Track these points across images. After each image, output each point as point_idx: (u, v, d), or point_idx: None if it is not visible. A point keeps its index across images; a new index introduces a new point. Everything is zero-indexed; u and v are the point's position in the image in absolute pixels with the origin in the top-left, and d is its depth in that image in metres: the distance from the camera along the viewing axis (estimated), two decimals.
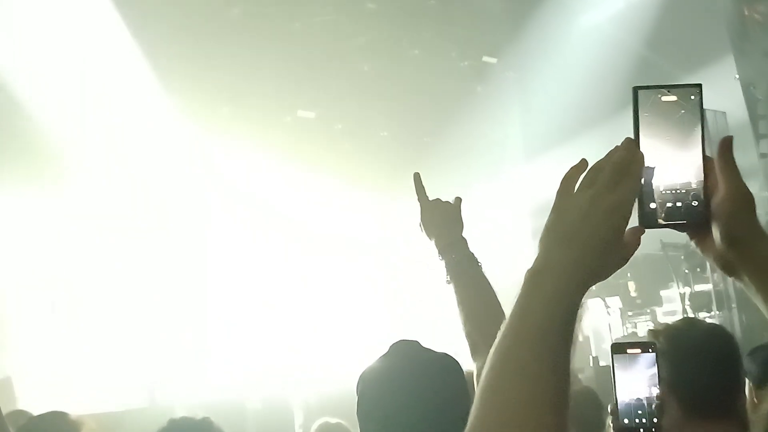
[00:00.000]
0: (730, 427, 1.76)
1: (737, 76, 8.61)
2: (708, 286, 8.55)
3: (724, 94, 8.36)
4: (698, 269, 8.52)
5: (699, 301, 8.65)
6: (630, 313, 9.74)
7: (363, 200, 14.05)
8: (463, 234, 1.78)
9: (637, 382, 1.40)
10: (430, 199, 1.81)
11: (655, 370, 1.41)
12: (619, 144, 0.92)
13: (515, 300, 0.87)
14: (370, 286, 13.67)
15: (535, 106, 11.29)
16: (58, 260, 9.39)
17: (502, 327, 0.89)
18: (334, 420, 3.39)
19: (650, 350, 1.43)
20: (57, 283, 8.94)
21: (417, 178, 1.81)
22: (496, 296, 1.70)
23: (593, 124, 9.76)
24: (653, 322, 9.22)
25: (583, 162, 0.91)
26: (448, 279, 1.71)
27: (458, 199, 1.82)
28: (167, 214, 11.31)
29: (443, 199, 1.82)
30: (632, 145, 0.90)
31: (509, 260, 12.15)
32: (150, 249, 11.32)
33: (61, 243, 9.60)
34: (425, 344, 1.55)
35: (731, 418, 1.78)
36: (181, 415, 5.65)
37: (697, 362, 1.81)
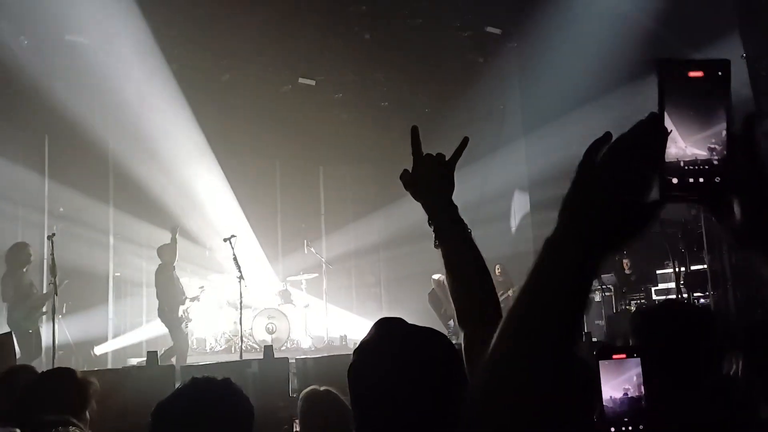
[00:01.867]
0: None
1: (744, 55, 8.51)
2: (704, 266, 8.55)
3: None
4: (695, 248, 8.51)
5: (694, 280, 8.66)
6: (624, 290, 9.77)
7: (362, 170, 14.06)
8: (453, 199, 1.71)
9: (623, 388, 1.40)
10: (425, 155, 1.73)
11: (640, 375, 1.41)
12: (640, 118, 0.92)
13: (532, 268, 0.90)
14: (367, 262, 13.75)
15: (536, 77, 11.20)
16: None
17: (517, 292, 0.91)
18: (322, 387, 3.42)
19: (635, 355, 1.43)
20: None
21: (415, 131, 1.73)
22: (484, 263, 1.68)
23: (595, 97, 9.71)
24: (646, 301, 9.26)
25: (607, 135, 0.92)
26: (436, 243, 1.68)
27: (454, 157, 1.74)
28: (168, 178, 11.34)
29: (437, 155, 1.74)
30: (657, 119, 0.90)
31: (509, 230, 12.31)
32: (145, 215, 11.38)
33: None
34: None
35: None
36: (180, 374, 5.72)
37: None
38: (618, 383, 1.41)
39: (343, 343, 11.47)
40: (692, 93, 0.91)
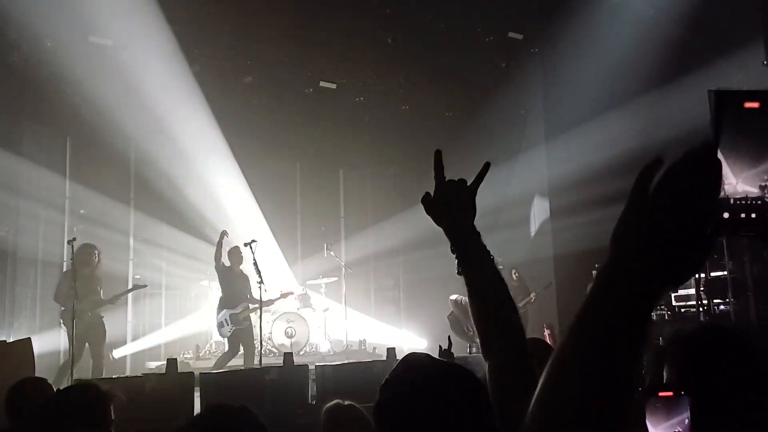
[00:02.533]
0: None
1: (766, 62, 8.36)
2: (724, 273, 8.42)
3: (752, 78, 8.15)
4: (715, 255, 8.38)
5: (714, 287, 8.53)
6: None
7: (382, 173, 14.03)
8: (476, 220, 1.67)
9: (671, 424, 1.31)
10: (447, 180, 1.68)
11: (687, 415, 1.32)
12: (693, 146, 0.87)
13: (586, 297, 0.87)
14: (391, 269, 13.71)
15: (559, 83, 11.10)
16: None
17: (573, 322, 0.87)
18: (346, 402, 3.38)
19: (683, 393, 1.33)
20: None
21: (438, 155, 1.67)
22: (507, 291, 1.64)
23: (618, 103, 9.60)
24: (666, 307, 9.12)
25: (659, 160, 0.87)
26: (459, 270, 1.65)
27: (475, 182, 1.69)
28: (189, 180, 11.39)
29: (459, 180, 1.69)
30: (712, 151, 0.85)
31: (528, 235, 12.21)
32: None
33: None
34: None
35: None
36: (198, 380, 5.71)
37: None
38: (667, 425, 1.33)
39: (363, 347, 11.44)
40: (746, 125, 0.87)
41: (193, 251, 11.61)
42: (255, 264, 8.52)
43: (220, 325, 8.97)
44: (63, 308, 7.89)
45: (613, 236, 0.87)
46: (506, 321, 1.61)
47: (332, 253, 11.80)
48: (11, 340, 6.54)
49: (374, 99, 12.37)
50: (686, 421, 1.32)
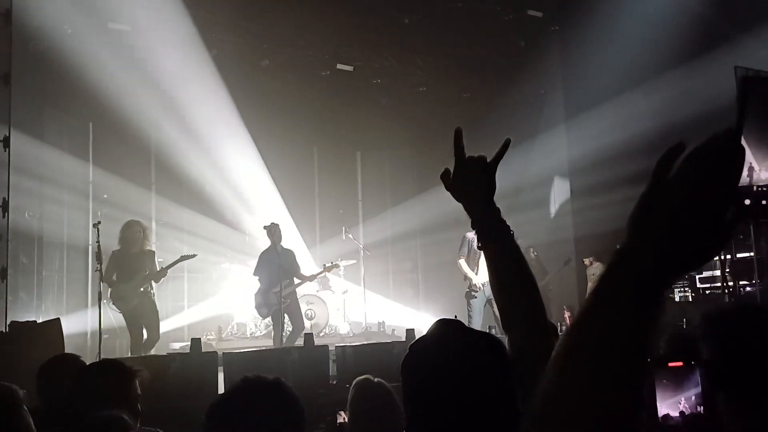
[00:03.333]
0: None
1: None
2: (750, 254, 8.33)
3: None
4: (741, 236, 8.28)
5: (740, 269, 8.45)
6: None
7: (400, 155, 14.02)
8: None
9: (680, 404, 1.31)
10: (467, 156, 1.69)
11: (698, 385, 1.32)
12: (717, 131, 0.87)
13: (600, 278, 0.87)
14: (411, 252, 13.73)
15: (579, 61, 10.97)
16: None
17: (585, 304, 0.88)
18: (375, 378, 3.42)
19: (693, 363, 1.32)
20: None
21: (458, 133, 1.67)
22: (527, 266, 1.65)
23: (639, 82, 9.49)
24: (690, 288, 9.06)
25: (681, 145, 0.87)
26: (479, 245, 1.68)
27: (495, 159, 1.69)
28: (208, 163, 11.47)
29: (478, 157, 1.70)
30: (736, 137, 0.85)
31: (548, 216, 12.16)
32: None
33: None
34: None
35: None
36: (222, 360, 5.80)
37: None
38: (675, 399, 1.34)
39: (381, 329, 11.51)
40: None
41: (214, 234, 11.75)
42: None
43: (260, 306, 9.04)
44: (111, 289, 7.94)
45: (630, 218, 0.87)
46: (526, 296, 1.63)
47: (350, 235, 11.86)
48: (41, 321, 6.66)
49: (391, 81, 12.34)
50: (693, 397, 1.32)
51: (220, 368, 6.02)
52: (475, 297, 8.65)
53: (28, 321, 6.35)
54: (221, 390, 5.71)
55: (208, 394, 5.41)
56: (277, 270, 8.65)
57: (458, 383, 1.41)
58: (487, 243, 1.66)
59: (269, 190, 12.25)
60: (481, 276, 8.48)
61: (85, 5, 9.12)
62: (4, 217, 6.46)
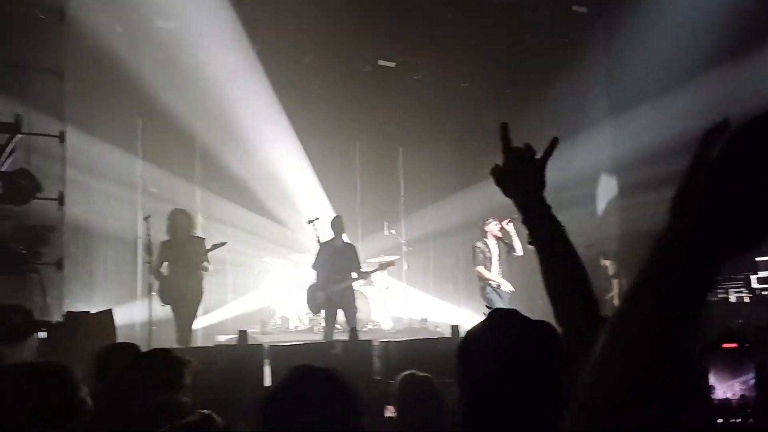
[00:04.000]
0: None
1: None
2: None
3: None
4: None
5: None
6: (720, 278, 9.29)
7: (442, 151, 13.99)
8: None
9: (736, 387, 1.29)
10: (516, 150, 1.70)
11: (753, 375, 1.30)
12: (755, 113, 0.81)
13: (641, 267, 0.83)
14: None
15: (624, 57, 10.81)
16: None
17: (630, 290, 0.84)
18: (422, 373, 3.45)
19: (747, 346, 1.31)
20: None
21: (504, 127, 1.68)
22: (579, 260, 1.64)
23: (686, 78, 9.30)
24: (746, 289, 8.85)
25: (726, 122, 0.82)
26: (530, 240, 1.67)
27: (544, 156, 1.70)
28: (252, 159, 11.63)
29: (527, 150, 1.71)
30: None
31: (593, 213, 12.01)
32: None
33: None
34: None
35: None
36: (267, 353, 5.88)
37: None
38: (730, 383, 1.33)
39: (424, 326, 11.52)
40: None
41: (256, 228, 11.90)
42: (318, 241, 8.65)
43: (311, 299, 8.98)
44: (158, 282, 8.00)
45: (672, 202, 0.83)
46: (578, 289, 1.62)
47: (393, 231, 11.89)
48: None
49: (433, 77, 12.32)
50: (751, 381, 1.30)
51: (266, 361, 6.12)
52: (492, 298, 8.80)
53: (82, 311, 6.54)
54: (267, 382, 5.81)
55: (254, 386, 5.51)
56: (335, 263, 8.61)
57: (512, 370, 1.43)
58: (537, 237, 1.66)
59: (312, 185, 12.36)
60: (504, 285, 8.66)
61: (134, 4, 9.34)
62: (60, 209, 6.66)
